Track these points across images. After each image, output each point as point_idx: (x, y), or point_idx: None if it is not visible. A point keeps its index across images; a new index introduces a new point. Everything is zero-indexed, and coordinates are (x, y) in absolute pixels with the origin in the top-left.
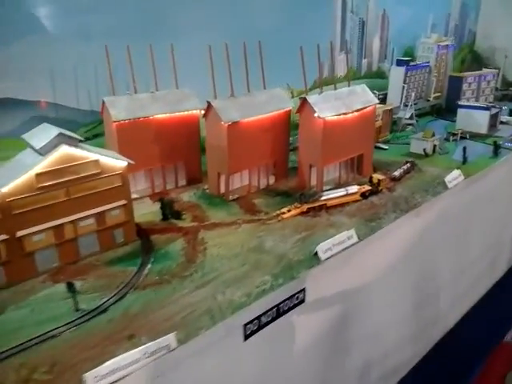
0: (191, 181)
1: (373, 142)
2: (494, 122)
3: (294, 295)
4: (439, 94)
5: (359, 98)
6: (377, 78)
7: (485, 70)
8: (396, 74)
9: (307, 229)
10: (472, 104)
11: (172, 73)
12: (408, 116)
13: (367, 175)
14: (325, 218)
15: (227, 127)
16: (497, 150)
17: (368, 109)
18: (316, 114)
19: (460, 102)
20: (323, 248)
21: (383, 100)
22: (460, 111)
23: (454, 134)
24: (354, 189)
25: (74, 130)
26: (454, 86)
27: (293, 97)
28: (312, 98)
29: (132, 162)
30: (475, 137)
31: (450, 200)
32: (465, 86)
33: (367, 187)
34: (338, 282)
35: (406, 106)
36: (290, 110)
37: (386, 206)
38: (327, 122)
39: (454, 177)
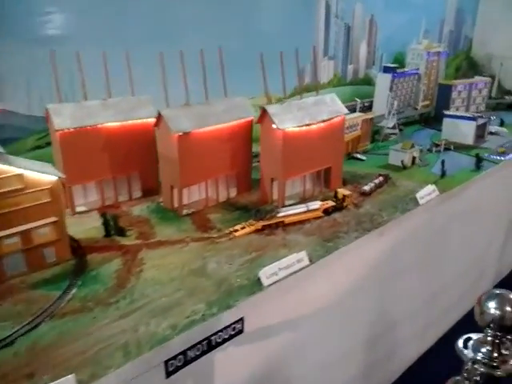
0: (147, 192)
1: (342, 154)
2: (481, 132)
3: (230, 325)
4: (428, 102)
5: (327, 108)
6: (364, 85)
7: (476, 78)
8: (382, 82)
9: (258, 249)
10: (458, 114)
11: (131, 79)
12: (391, 125)
13: (335, 189)
14: (280, 237)
15: (177, 138)
16: (479, 162)
17: (336, 119)
18: (275, 126)
19: (446, 112)
20: (267, 273)
21: (369, 108)
22: (446, 121)
23: (437, 145)
24: (315, 205)
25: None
26: (444, 95)
27: (270, 103)
28: (272, 108)
29: (63, 175)
30: (460, 148)
31: (421, 217)
32: (454, 95)
33: (331, 203)
34: (283, 310)
35: (396, 113)
36: (251, 120)
37: (349, 224)
38: (288, 134)
39: (426, 192)
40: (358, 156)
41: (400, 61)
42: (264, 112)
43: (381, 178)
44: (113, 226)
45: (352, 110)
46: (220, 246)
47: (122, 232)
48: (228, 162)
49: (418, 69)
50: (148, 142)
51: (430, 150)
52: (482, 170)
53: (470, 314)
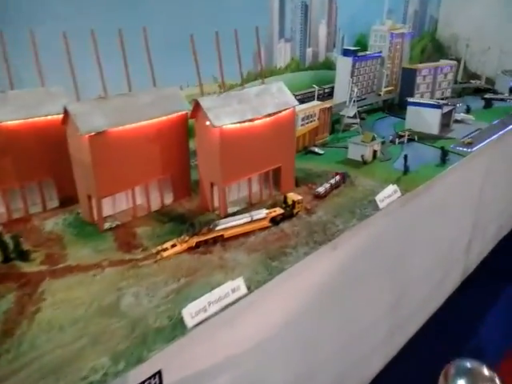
0: (65, 201)
1: (293, 152)
2: (447, 120)
3: (143, 382)
4: (392, 87)
5: (273, 100)
6: (324, 69)
7: (441, 62)
8: (343, 66)
9: (189, 273)
10: (422, 101)
11: (38, 66)
12: (352, 114)
13: (288, 191)
14: (217, 256)
15: (89, 139)
16: (444, 156)
17: (284, 113)
18: (208, 122)
19: (409, 99)
20: (193, 309)
21: (330, 94)
22: (409, 109)
23: (400, 136)
24: (261, 214)
25: None
26: (408, 80)
27: (221, 91)
28: (206, 101)
29: None
30: (425, 139)
31: (381, 222)
32: (419, 80)
33: (279, 211)
34: (214, 355)
35: (357, 100)
36: (186, 114)
37: (298, 236)
38: (226, 132)
39: (387, 194)
40: (316, 150)
41: (363, 43)
42: (197, 106)
43: (338, 177)
44: (13, 249)
45: (312, 97)
46: (143, 270)
47: (24, 256)
48: (159, 165)
49: (380, 52)
50: (59, 142)
51: (392, 142)
52: (447, 165)
53: (436, 316)
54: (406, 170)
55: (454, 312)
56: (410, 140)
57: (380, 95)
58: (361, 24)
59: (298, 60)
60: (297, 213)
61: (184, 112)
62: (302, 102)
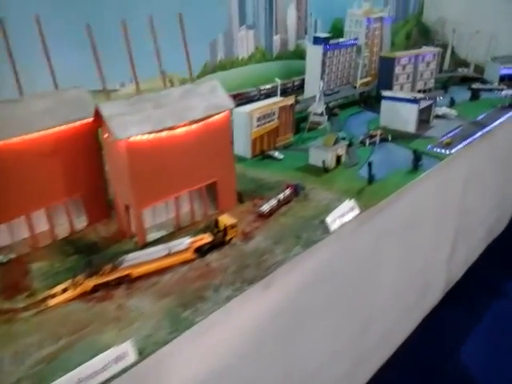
0: None
1: (232, 163)
2: (426, 116)
3: None
4: (370, 78)
5: (202, 103)
6: (296, 59)
7: (423, 49)
8: (313, 55)
9: (74, 330)
10: (397, 95)
11: None
12: (319, 111)
13: (228, 209)
14: (116, 304)
15: None
16: (417, 161)
17: (218, 117)
18: (106, 135)
19: (384, 92)
20: None
21: (301, 87)
22: (384, 104)
23: (371, 136)
24: (182, 244)
25: None
26: (386, 70)
27: (172, 85)
28: (108, 107)
29: None
30: (400, 138)
31: (334, 247)
32: (398, 69)
33: (207, 238)
34: None
35: (329, 94)
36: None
37: (226, 273)
38: (135, 145)
39: (341, 212)
40: (275, 154)
41: (339, 28)
42: (98, 112)
43: (288, 191)
44: None
45: (282, 91)
46: (18, 327)
47: None
48: (63, 184)
49: (356, 39)
50: None
51: (362, 143)
52: (420, 171)
53: (407, 345)
54: (371, 180)
55: (429, 339)
56: (383, 140)
57: (356, 87)
58: (337, 7)
59: (264, 49)
60: (230, 240)
61: (91, 119)
62: (268, 96)
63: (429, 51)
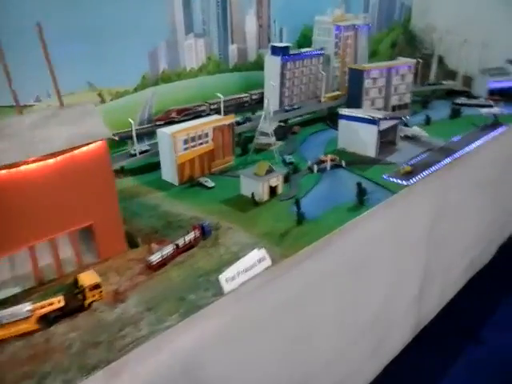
0: None
1: (114, 201)
2: (392, 137)
3: None
4: (338, 93)
5: (63, 132)
6: (257, 70)
7: (399, 60)
8: (271, 67)
9: None
10: (355, 114)
11: None
12: (269, 130)
13: (112, 255)
14: None
15: None
16: (362, 195)
17: (88, 149)
18: None
19: (341, 111)
20: None
21: (260, 101)
22: (341, 124)
23: (321, 162)
24: (19, 313)
25: None
26: (355, 83)
27: (104, 102)
28: None
29: None
30: (357, 163)
31: (228, 312)
32: (368, 83)
33: (57, 303)
34: None
35: (288, 110)
36: None
37: (66, 353)
38: None
39: (245, 266)
40: (205, 182)
41: (309, 37)
42: None
43: (193, 234)
44: None
45: (238, 106)
46: None
47: None
48: None
49: (321, 49)
50: None
51: (310, 169)
52: (366, 206)
53: None
54: (300, 219)
55: None
56: (336, 166)
57: (321, 102)
58: (306, 13)
59: (219, 59)
60: (90, 304)
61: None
62: (226, 112)
63: (403, 63)
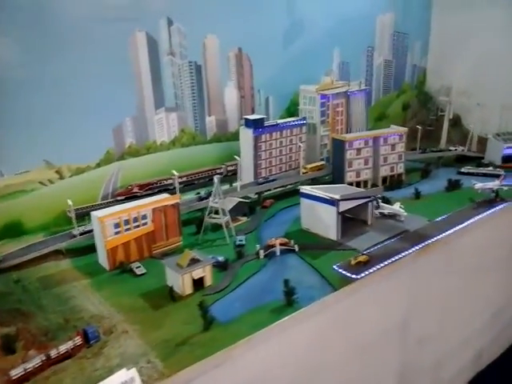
0: None
1: None
2: (364, 216)
3: None
4: (322, 163)
5: None
6: (238, 140)
7: (389, 129)
8: (245, 139)
9: None
10: (314, 193)
11: None
12: (221, 208)
13: None
14: None
15: None
16: (290, 295)
17: None
18: None
19: (302, 188)
20: None
21: (235, 173)
22: (303, 203)
23: (269, 246)
24: None
25: None
26: (338, 154)
27: (62, 178)
28: None
29: None
30: (314, 248)
31: None
32: (350, 154)
33: None
34: None
35: (260, 183)
36: None
37: None
38: None
39: None
40: (135, 269)
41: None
42: None
43: (72, 343)
44: None
45: (210, 178)
46: None
47: None
48: None
49: (303, 118)
50: None
51: (257, 255)
52: (295, 307)
53: None
54: (208, 324)
55: None
56: (289, 251)
57: (305, 173)
58: (297, 81)
59: (194, 132)
60: None
61: None
62: (191, 184)
63: (393, 132)
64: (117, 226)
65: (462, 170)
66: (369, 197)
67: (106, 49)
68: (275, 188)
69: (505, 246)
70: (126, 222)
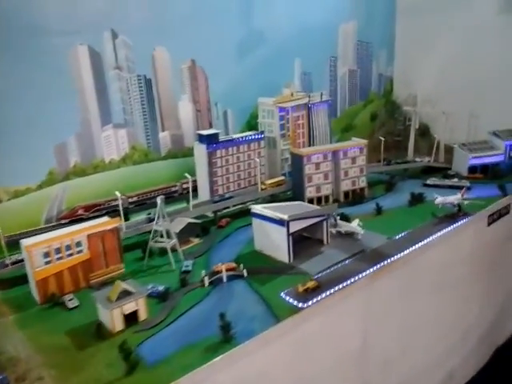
0: None
1: None
2: (320, 235)
3: None
4: (281, 178)
5: None
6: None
7: (348, 142)
8: (200, 155)
9: None
10: (265, 213)
11: None
12: (165, 232)
13: None
14: None
15: None
16: (226, 331)
17: None
18: None
19: (253, 208)
20: None
21: (194, 190)
22: (255, 223)
23: (215, 272)
24: None
25: None
26: (297, 169)
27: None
28: None
29: None
30: (263, 273)
31: None
32: (308, 168)
33: None
34: None
35: (216, 202)
36: None
37: None
38: None
39: None
40: (66, 302)
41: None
42: None
43: None
44: None
45: (167, 197)
46: None
47: None
48: None
49: (260, 133)
50: None
51: (202, 283)
52: (233, 343)
53: None
54: (132, 367)
55: None
56: (236, 277)
57: (263, 189)
58: (256, 94)
59: (146, 148)
60: None
61: None
62: (150, 205)
63: (353, 145)
64: (46, 255)
65: (428, 182)
66: (323, 215)
67: (46, 64)
68: (235, 205)
69: (471, 261)
70: (58, 250)
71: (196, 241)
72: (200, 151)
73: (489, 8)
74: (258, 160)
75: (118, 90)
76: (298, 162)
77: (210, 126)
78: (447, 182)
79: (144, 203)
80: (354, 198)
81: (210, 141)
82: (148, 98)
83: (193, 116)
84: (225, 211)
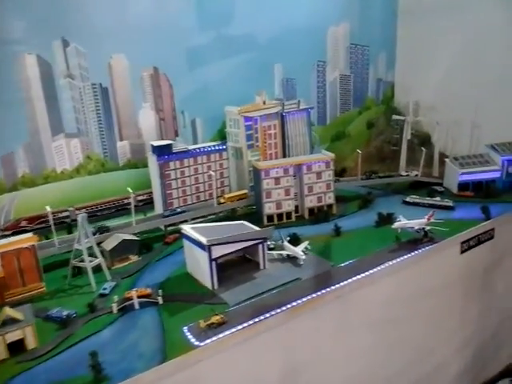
0: None
1: None
2: (258, 258)
3: None
4: (244, 192)
5: None
6: None
7: (315, 155)
8: (153, 167)
9: None
10: (191, 235)
11: None
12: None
13: None
14: None
15: None
16: (97, 371)
17: None
18: None
19: (183, 228)
20: None
21: (150, 202)
22: (185, 245)
23: (126, 299)
24: None
25: None
26: (257, 183)
27: None
28: None
29: None
30: (181, 300)
31: None
32: (267, 183)
33: None
34: None
35: (166, 216)
36: None
37: None
38: None
39: None
40: None
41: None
42: None
43: None
44: None
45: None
46: None
47: None
48: None
49: (222, 144)
50: None
51: (111, 309)
52: None
53: None
54: None
55: None
56: (151, 303)
57: (222, 203)
58: (229, 101)
59: (102, 158)
60: None
61: None
62: (107, 216)
63: (317, 159)
64: None
65: (407, 199)
66: (257, 238)
67: None
68: (182, 222)
69: (437, 294)
70: None
71: (134, 258)
72: (152, 163)
73: (496, 11)
74: (213, 173)
75: (70, 98)
76: (257, 175)
77: (176, 135)
78: (428, 200)
79: (94, 215)
80: (318, 216)
81: (162, 152)
82: (104, 106)
83: (156, 125)
84: (180, 226)
